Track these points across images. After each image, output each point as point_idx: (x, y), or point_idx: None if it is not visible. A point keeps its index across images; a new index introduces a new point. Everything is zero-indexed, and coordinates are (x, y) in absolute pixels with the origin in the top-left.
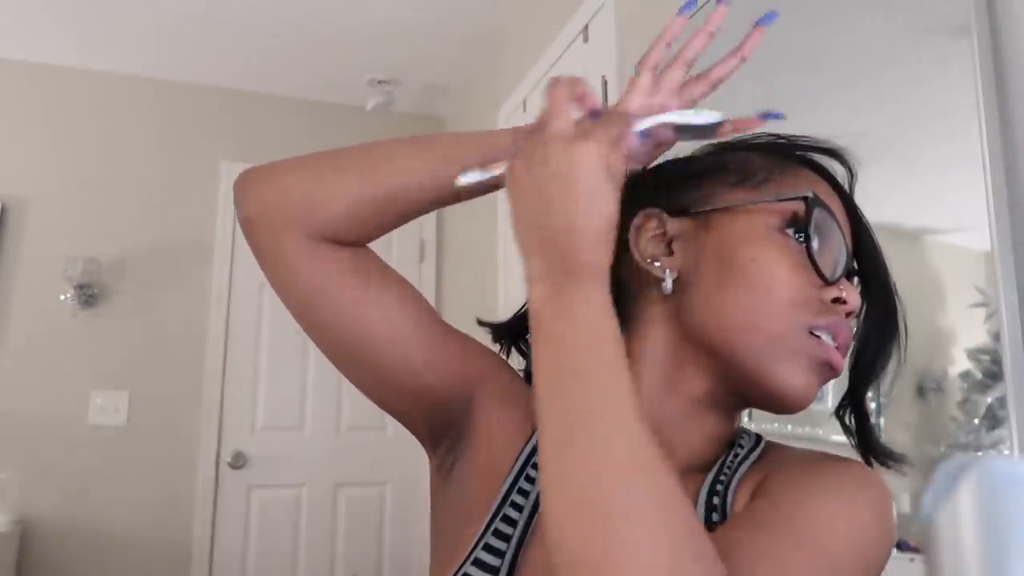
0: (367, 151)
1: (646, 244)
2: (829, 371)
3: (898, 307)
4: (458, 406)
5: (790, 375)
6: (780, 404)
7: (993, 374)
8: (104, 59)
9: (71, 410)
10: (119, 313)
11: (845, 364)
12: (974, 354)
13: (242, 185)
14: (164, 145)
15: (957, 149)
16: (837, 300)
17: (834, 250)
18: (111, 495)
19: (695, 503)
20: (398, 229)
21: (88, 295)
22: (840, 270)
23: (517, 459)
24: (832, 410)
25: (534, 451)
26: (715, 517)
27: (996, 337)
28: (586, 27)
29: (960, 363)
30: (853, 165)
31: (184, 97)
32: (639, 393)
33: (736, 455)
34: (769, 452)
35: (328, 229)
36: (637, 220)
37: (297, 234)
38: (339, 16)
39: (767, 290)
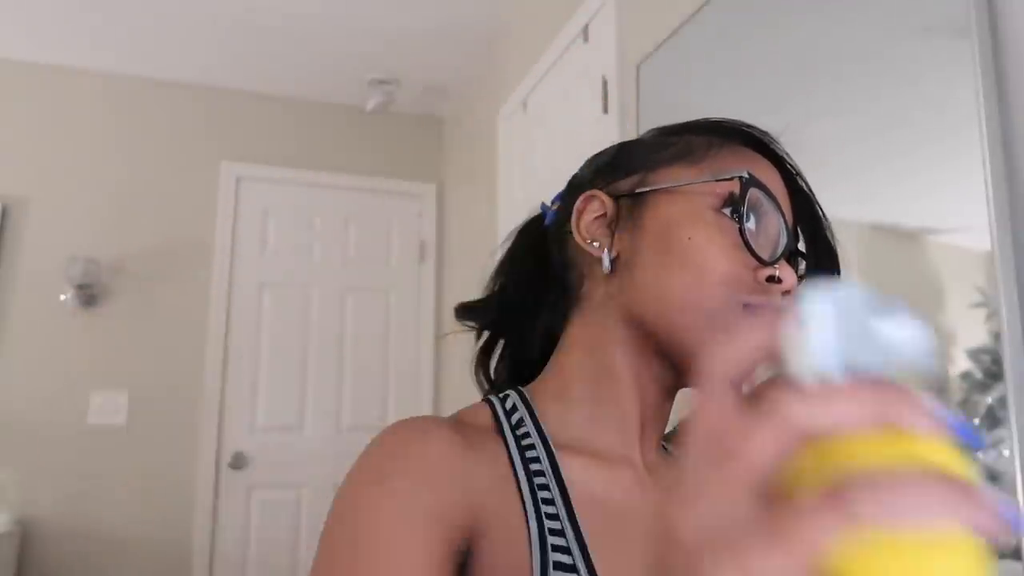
0: None
1: (588, 225)
2: None
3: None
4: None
5: None
6: None
7: (993, 374)
8: (104, 59)
9: (71, 410)
10: (119, 313)
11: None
12: (974, 354)
13: None
14: (164, 145)
15: (957, 149)
16: (772, 279)
17: (772, 230)
18: (111, 495)
19: None
20: (398, 229)
21: (88, 295)
22: (780, 251)
23: (523, 502)
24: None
25: (532, 489)
26: None
27: (996, 337)
28: (586, 27)
29: (960, 363)
30: (778, 150)
31: (184, 97)
32: (615, 385)
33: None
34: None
35: None
36: (579, 203)
37: None
38: (339, 16)
39: (702, 269)
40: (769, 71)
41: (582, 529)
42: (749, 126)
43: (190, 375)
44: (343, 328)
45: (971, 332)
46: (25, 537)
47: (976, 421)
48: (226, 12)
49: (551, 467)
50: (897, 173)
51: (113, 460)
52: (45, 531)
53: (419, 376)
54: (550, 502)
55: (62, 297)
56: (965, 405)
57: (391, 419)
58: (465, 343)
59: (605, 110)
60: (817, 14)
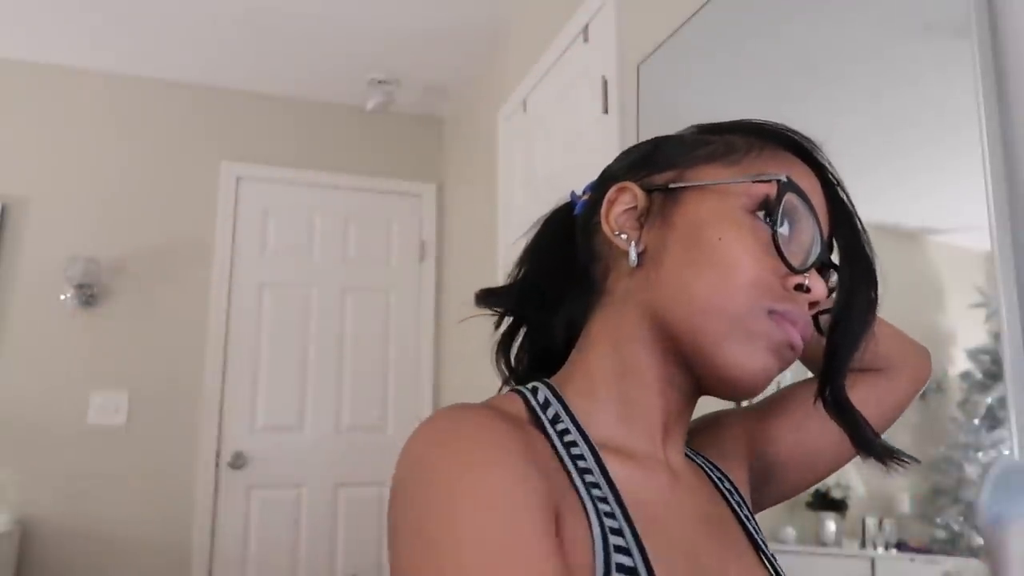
0: None
1: (617, 217)
2: (789, 351)
3: (878, 295)
4: None
5: (747, 358)
6: (735, 388)
7: (993, 374)
8: (104, 59)
9: (71, 410)
10: (119, 313)
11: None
12: (974, 354)
13: None
14: (164, 145)
15: (957, 149)
16: (800, 288)
17: (805, 237)
18: (111, 495)
19: (723, 501)
20: (398, 229)
21: (88, 295)
22: (811, 259)
23: (586, 509)
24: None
25: (589, 489)
26: (743, 507)
27: (996, 337)
28: (586, 27)
29: (960, 363)
30: (821, 158)
31: (184, 97)
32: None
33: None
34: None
35: None
36: (611, 193)
37: None
38: (339, 16)
39: (730, 271)
40: (769, 71)
41: (638, 529)
42: (793, 131)
43: (190, 375)
44: (343, 328)
45: (971, 332)
46: (25, 537)
47: (976, 421)
48: (226, 12)
49: (597, 465)
50: (897, 173)
51: (113, 460)
52: (45, 531)
53: (419, 376)
54: (604, 500)
55: (62, 297)
56: (965, 405)
57: (391, 419)
58: (466, 343)
59: (605, 110)
60: (817, 14)
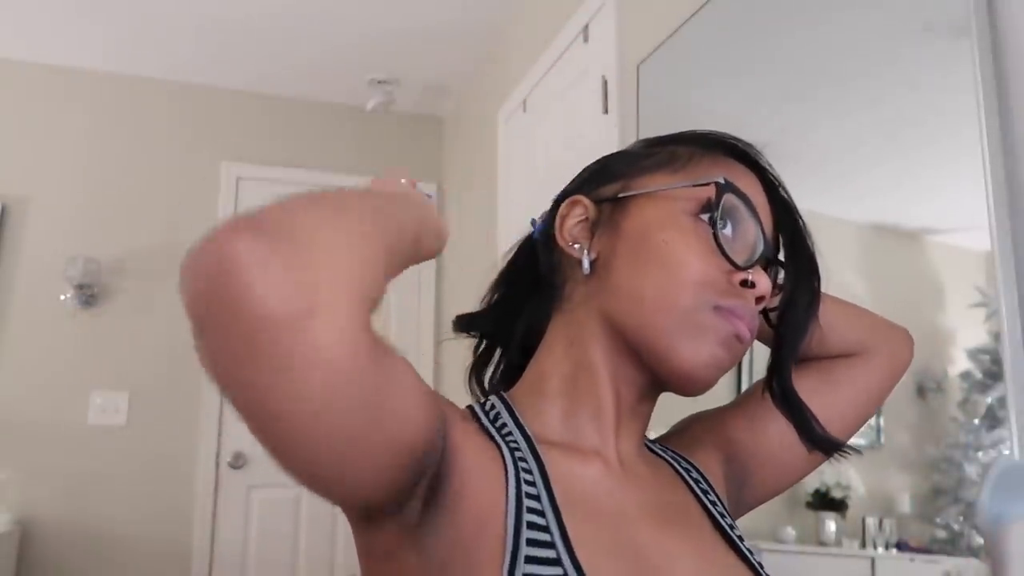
0: (359, 203)
1: (570, 229)
2: (737, 344)
3: (820, 290)
4: (440, 445)
5: (696, 351)
6: (688, 382)
7: (993, 374)
8: (104, 60)
9: (71, 410)
10: (119, 313)
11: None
12: (974, 354)
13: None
14: (164, 145)
15: (957, 149)
16: (745, 283)
17: (749, 236)
18: (111, 495)
19: (690, 496)
20: None
21: (88, 295)
22: (755, 256)
23: (507, 473)
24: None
25: (516, 463)
26: (709, 494)
27: (996, 337)
28: (586, 27)
29: (960, 363)
30: (761, 161)
31: (184, 97)
32: (595, 380)
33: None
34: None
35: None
36: (563, 208)
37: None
38: (339, 16)
39: (676, 269)
40: (769, 71)
41: (557, 499)
42: (733, 138)
43: (190, 375)
44: None
45: (971, 332)
46: (25, 537)
47: (976, 421)
48: (227, 12)
49: (531, 451)
50: (897, 173)
51: (113, 460)
52: (45, 531)
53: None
54: (528, 471)
55: (62, 297)
56: (965, 405)
57: None
58: (466, 345)
59: (605, 110)
60: (817, 14)
